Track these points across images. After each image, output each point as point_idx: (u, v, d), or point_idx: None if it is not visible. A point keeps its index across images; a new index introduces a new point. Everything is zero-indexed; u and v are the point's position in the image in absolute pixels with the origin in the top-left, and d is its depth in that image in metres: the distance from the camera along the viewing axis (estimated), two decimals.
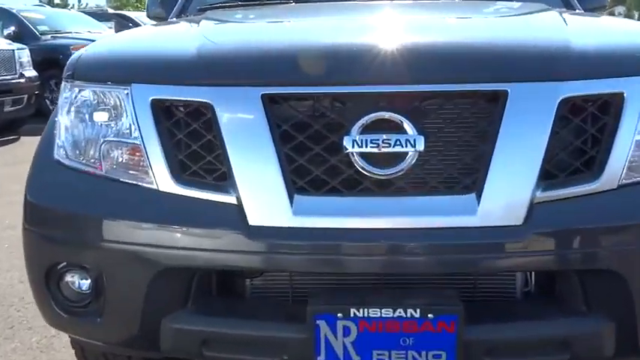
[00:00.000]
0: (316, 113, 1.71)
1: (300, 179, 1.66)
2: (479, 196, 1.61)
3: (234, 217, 1.66)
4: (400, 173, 1.62)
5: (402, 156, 1.62)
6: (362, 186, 1.65)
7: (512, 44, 1.80)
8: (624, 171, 1.65)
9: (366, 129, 1.63)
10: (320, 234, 1.62)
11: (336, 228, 1.63)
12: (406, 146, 1.61)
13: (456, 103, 1.66)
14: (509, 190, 1.61)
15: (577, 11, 2.90)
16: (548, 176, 1.65)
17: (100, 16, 16.51)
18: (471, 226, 1.60)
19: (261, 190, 1.65)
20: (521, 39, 1.88)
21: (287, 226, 1.63)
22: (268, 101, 1.66)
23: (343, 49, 1.77)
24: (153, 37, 2.43)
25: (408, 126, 1.62)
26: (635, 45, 1.82)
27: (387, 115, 1.64)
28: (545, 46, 1.76)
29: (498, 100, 1.64)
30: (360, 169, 1.63)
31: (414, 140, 1.61)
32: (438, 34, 1.94)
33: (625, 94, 1.66)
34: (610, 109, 1.68)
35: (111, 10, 23.03)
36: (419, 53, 1.71)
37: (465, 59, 1.69)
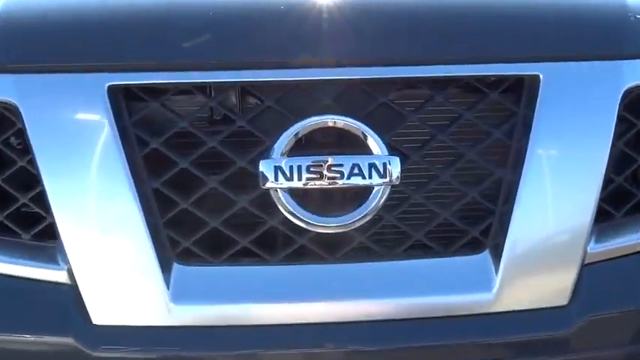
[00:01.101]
0: (209, 119, 1.00)
1: (183, 237, 0.94)
2: (497, 257, 0.94)
3: (66, 309, 0.92)
4: (359, 223, 0.92)
5: (363, 193, 0.93)
6: (293, 247, 0.94)
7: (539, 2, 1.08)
8: None
9: (299, 147, 0.93)
10: (219, 338, 0.91)
11: (249, 326, 0.91)
12: (370, 176, 0.91)
13: (450, 97, 0.97)
14: (546, 243, 0.95)
15: None
16: (603, 216, 1.01)
17: None
18: (484, 311, 0.93)
19: (110, 259, 0.92)
20: None
21: (159, 324, 0.91)
22: (121, 98, 0.94)
23: (255, 8, 1.03)
24: None
25: (373, 140, 0.93)
26: None
27: (336, 120, 0.93)
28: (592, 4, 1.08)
29: (524, 90, 0.96)
30: (290, 218, 0.92)
31: (385, 164, 0.91)
32: None
33: None
34: None
35: None
36: (390, 13, 0.99)
37: (464, 25, 0.98)
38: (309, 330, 0.90)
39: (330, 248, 0.94)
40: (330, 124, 0.92)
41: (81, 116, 0.93)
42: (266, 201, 0.93)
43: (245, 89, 0.97)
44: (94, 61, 0.95)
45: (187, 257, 0.94)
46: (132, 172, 0.92)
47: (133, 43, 0.95)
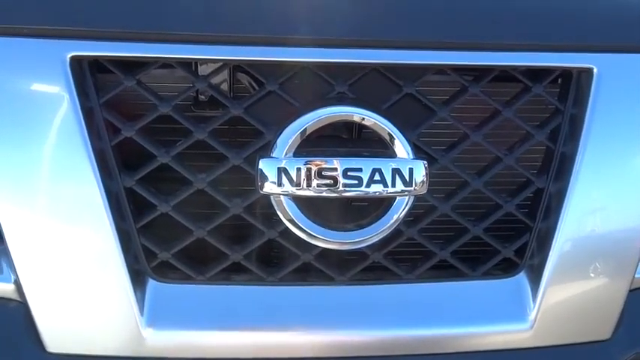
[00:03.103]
0: (197, 104, 0.83)
1: (161, 248, 0.77)
2: (535, 281, 0.80)
3: (13, 332, 0.74)
4: (377, 239, 0.77)
5: (383, 204, 0.78)
6: (295, 265, 0.78)
7: None
8: None
9: (307, 145, 0.76)
10: None
11: (240, 359, 0.76)
12: (394, 184, 0.76)
13: (484, 90, 0.80)
14: (592, 266, 0.80)
15: None
16: None
17: None
18: (518, 346, 0.79)
19: (69, 271, 0.74)
20: None
21: (129, 355, 0.74)
22: (87, 72, 0.74)
23: None
24: None
25: (398, 140, 0.76)
26: None
27: (354, 114, 0.77)
28: None
29: (571, 85, 0.82)
30: (294, 230, 0.76)
31: (411, 170, 0.77)
32: None
33: None
34: None
35: None
36: None
37: (506, 6, 0.81)
38: None
39: (340, 267, 0.79)
40: (355, 119, 0.76)
41: (36, 93, 0.73)
42: (265, 208, 0.77)
43: (242, 69, 0.80)
44: (54, 24, 0.75)
45: (166, 272, 0.77)
46: (98, 166, 0.73)
47: (105, 5, 0.76)
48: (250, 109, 0.77)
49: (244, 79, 0.82)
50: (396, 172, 0.75)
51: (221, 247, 0.77)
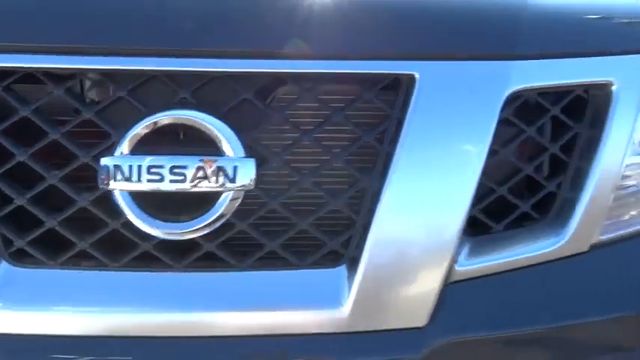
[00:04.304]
0: (56, 108, 0.91)
1: (17, 236, 0.86)
2: (352, 272, 0.88)
3: None
4: (206, 230, 0.85)
5: (212, 198, 0.86)
6: (135, 253, 0.87)
7: None
8: (603, 219, 0.97)
9: (148, 144, 0.85)
10: (48, 348, 0.84)
11: (81, 336, 0.84)
12: (217, 180, 0.85)
13: (321, 96, 0.89)
14: (406, 258, 0.88)
15: None
16: (476, 229, 0.95)
17: None
18: (333, 331, 0.87)
19: None
20: None
21: None
22: None
23: None
24: None
25: (226, 140, 0.85)
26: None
27: (190, 117, 0.86)
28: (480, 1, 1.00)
29: (400, 91, 0.89)
30: (132, 221, 0.86)
31: (236, 168, 0.84)
32: None
33: (615, 85, 0.96)
34: (584, 110, 0.98)
35: None
36: (258, 3, 0.89)
37: (338, 18, 0.88)
38: (143, 343, 0.84)
39: (178, 255, 0.88)
40: (178, 120, 0.84)
41: None
42: (109, 202, 0.86)
43: (96, 77, 0.89)
44: None
45: (21, 258, 0.87)
46: None
47: None
48: (101, 113, 0.87)
49: (101, 85, 0.91)
50: (221, 169, 0.83)
51: (70, 237, 0.87)
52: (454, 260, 0.90)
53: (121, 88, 0.86)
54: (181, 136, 0.87)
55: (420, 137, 0.86)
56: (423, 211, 0.87)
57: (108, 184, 0.83)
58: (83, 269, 0.87)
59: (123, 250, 0.87)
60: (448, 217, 0.87)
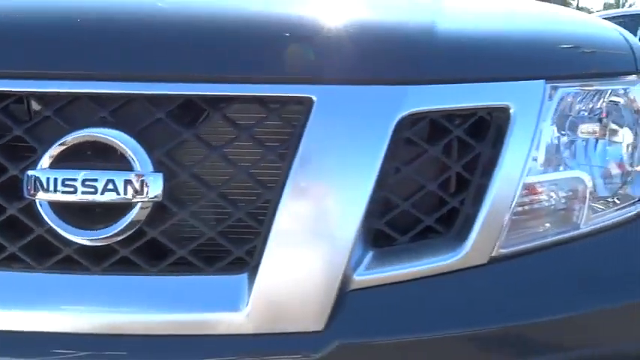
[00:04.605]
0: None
1: None
2: (252, 278, 0.95)
3: None
4: (118, 238, 0.94)
5: (125, 208, 0.95)
6: (58, 257, 0.96)
7: (320, 19, 1.02)
8: (503, 234, 1.02)
9: (68, 159, 0.94)
10: None
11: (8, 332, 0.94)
12: (125, 192, 0.92)
13: (231, 115, 0.97)
14: (301, 267, 0.95)
15: None
16: (377, 240, 1.00)
17: None
18: (234, 332, 0.94)
19: None
20: (341, 15, 1.05)
21: None
22: None
23: (37, 15, 1.00)
24: None
25: (135, 156, 0.94)
26: (535, 32, 1.13)
27: (98, 134, 0.94)
28: (381, 27, 1.04)
29: (298, 113, 0.96)
30: (54, 228, 0.95)
31: (143, 181, 0.92)
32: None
33: (512, 109, 1.02)
34: (485, 132, 1.03)
35: None
36: (168, 30, 0.98)
37: (243, 44, 0.97)
38: (56, 338, 0.92)
39: (97, 260, 0.97)
40: (93, 138, 0.93)
41: None
42: (35, 210, 0.95)
43: (27, 98, 0.99)
44: None
45: None
46: None
47: None
48: (30, 130, 0.96)
49: (31, 106, 1.01)
50: (129, 182, 0.91)
51: (2, 242, 0.96)
52: (353, 269, 0.96)
53: (48, 108, 0.96)
54: (98, 152, 0.96)
55: (316, 155, 0.94)
56: (317, 224, 0.94)
57: (33, 194, 0.93)
58: (12, 270, 0.97)
59: (50, 254, 0.97)
60: (341, 229, 0.94)
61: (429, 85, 0.97)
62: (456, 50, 1.00)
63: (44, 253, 0.97)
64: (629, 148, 1.14)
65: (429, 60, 0.98)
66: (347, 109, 0.94)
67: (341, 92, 0.95)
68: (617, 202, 1.12)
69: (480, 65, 1.00)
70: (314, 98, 0.94)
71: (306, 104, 0.94)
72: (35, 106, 1.00)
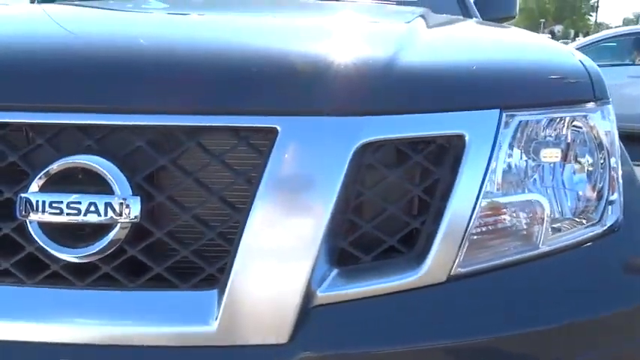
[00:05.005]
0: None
1: None
2: (221, 293, 1.02)
3: None
4: (99, 256, 1.03)
5: (104, 228, 1.03)
6: (47, 272, 1.05)
7: (284, 55, 1.13)
8: (461, 253, 1.08)
9: (52, 183, 1.03)
10: None
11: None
12: (106, 214, 1.01)
13: (206, 144, 1.05)
14: (265, 284, 1.02)
15: (469, 20, 2.14)
16: (343, 259, 1.07)
17: None
18: (205, 344, 1.01)
19: None
20: (303, 50, 1.16)
21: None
22: None
23: (31, 52, 1.11)
24: None
25: (115, 180, 1.02)
26: (493, 62, 1.21)
27: (82, 161, 1.03)
28: (344, 61, 1.11)
29: (263, 141, 1.04)
30: (43, 247, 1.03)
31: (122, 204, 1.01)
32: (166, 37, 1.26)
33: (467, 137, 1.08)
34: (444, 158, 1.10)
35: None
36: (148, 67, 1.08)
37: (214, 78, 1.06)
38: (41, 347, 1.01)
39: (81, 276, 1.05)
40: (78, 164, 1.02)
41: None
42: (26, 230, 1.04)
43: (25, 128, 1.09)
44: None
45: None
46: None
47: None
48: (25, 157, 1.06)
49: (29, 134, 1.10)
50: (109, 205, 1.00)
51: None
52: (317, 286, 1.03)
53: (41, 137, 1.06)
54: (84, 176, 1.05)
55: (280, 179, 1.01)
56: (280, 243, 1.01)
57: (24, 215, 1.02)
58: (5, 285, 1.06)
59: (39, 270, 1.06)
60: (303, 248, 1.01)
61: (386, 116, 1.04)
62: (413, 82, 1.07)
63: (34, 269, 1.06)
64: (589, 173, 1.20)
65: (386, 92, 1.06)
66: (308, 138, 1.02)
67: (303, 123, 1.02)
68: (577, 223, 1.18)
69: (437, 96, 1.07)
70: (278, 128, 1.02)
71: (271, 133, 1.02)
72: (31, 134, 1.10)
